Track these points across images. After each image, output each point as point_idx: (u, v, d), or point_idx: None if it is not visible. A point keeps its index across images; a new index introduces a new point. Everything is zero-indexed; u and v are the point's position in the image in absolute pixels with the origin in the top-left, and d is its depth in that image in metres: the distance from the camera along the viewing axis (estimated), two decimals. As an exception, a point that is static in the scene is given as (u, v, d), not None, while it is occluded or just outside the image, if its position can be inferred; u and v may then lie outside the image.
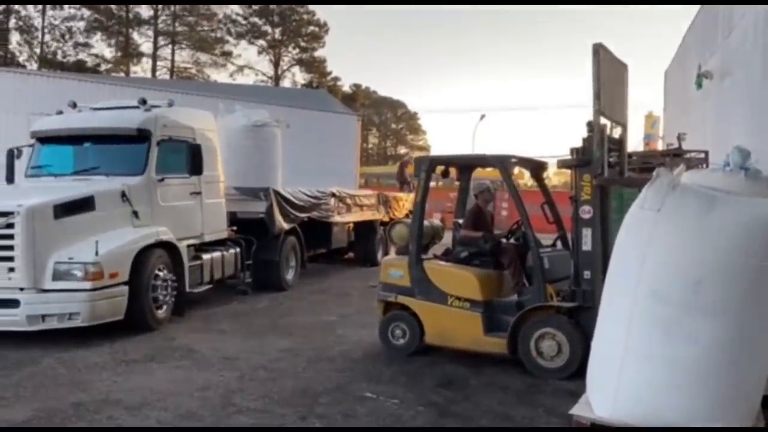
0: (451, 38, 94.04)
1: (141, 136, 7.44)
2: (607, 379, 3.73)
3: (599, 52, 5.35)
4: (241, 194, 9.41)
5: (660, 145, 22.88)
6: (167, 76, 45.62)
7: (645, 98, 39.42)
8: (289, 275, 10.05)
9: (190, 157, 7.66)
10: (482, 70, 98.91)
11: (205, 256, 8.22)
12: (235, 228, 9.23)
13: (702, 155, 10.63)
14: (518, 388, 5.22)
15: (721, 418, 3.39)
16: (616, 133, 6.07)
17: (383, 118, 65.78)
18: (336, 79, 53.84)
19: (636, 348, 3.58)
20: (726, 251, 3.32)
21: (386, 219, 12.66)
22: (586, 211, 5.39)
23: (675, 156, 10.37)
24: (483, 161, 7.00)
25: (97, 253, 6.38)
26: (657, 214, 3.63)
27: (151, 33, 46.93)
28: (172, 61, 48.26)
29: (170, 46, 48.03)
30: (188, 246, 7.83)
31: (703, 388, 3.41)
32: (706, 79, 15.22)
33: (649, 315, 3.56)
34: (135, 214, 7.10)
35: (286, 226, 9.71)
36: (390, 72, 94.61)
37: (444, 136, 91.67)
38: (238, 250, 8.99)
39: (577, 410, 3.88)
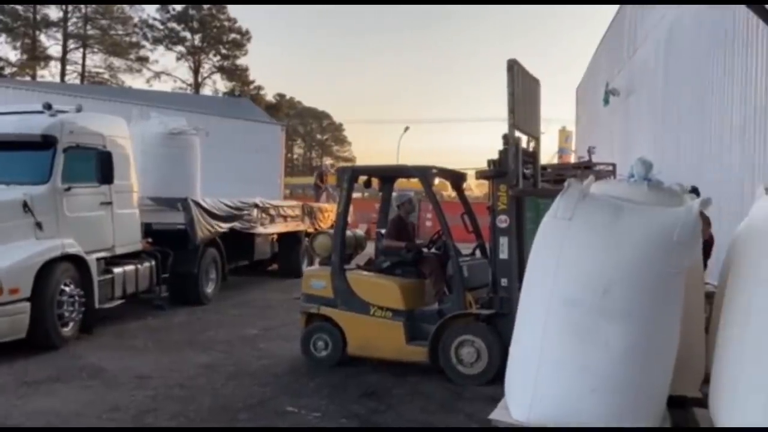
0: (375, 50, 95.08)
1: (45, 143, 7.02)
2: (524, 384, 3.82)
3: (513, 67, 5.55)
4: (157, 204, 9.08)
5: (573, 158, 23.98)
6: (78, 81, 43.38)
7: (559, 114, 41.37)
8: (209, 288, 9.76)
9: (100, 166, 7.29)
10: (407, 83, 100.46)
11: (117, 270, 7.84)
12: (150, 240, 8.87)
13: (610, 167, 11.23)
14: (440, 395, 5.27)
15: (631, 419, 3.53)
16: (531, 146, 6.31)
17: (308, 129, 65.46)
18: (259, 88, 53.00)
19: (551, 353, 3.68)
20: (631, 258, 3.48)
21: (311, 230, 12.56)
22: (503, 221, 5.55)
23: (586, 168, 10.92)
24: (404, 172, 7.08)
25: (-5, 268, 5.94)
26: (569, 222, 3.76)
27: (60, 36, 44.54)
28: (83, 65, 45.99)
29: (81, 49, 45.76)
30: (98, 259, 7.44)
31: (614, 391, 3.54)
32: (613, 95, 16.14)
33: (562, 321, 3.67)
34: (38, 225, 6.67)
35: (216, 232, 9.47)
36: (314, 83, 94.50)
37: (369, 147, 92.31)
38: (153, 262, 8.64)
39: (496, 415, 3.95)
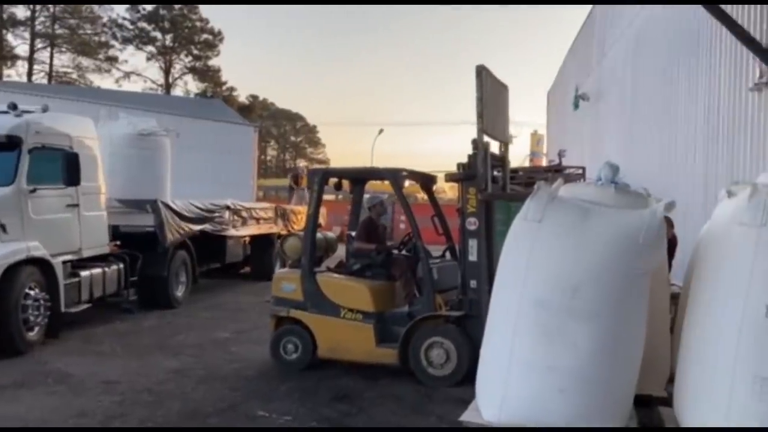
0: (349, 52, 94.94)
1: (10, 144, 6.84)
2: (494, 385, 3.85)
3: (482, 73, 5.61)
4: (125, 207, 8.94)
5: (544, 162, 24.28)
6: (45, 81, 42.41)
7: (532, 118, 42.19)
8: (179, 292, 9.63)
9: (67, 167, 7.14)
10: (382, 85, 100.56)
11: (84, 273, 7.67)
12: (118, 243, 8.73)
13: (580, 171, 11.39)
14: (411, 398, 5.28)
15: (599, 418, 3.59)
16: (500, 150, 6.39)
17: (282, 131, 65.01)
18: (231, 89, 52.38)
19: (521, 354, 3.73)
20: (599, 260, 3.54)
21: (284, 232, 12.49)
22: (472, 223, 5.59)
23: (556, 171, 11.06)
24: (375, 174, 7.08)
25: (-44, 271, 5.77)
26: (539, 224, 3.82)
27: (27, 35, 43.47)
28: (51, 65, 44.95)
29: (48, 49, 44.79)
30: (64, 262, 7.28)
31: (582, 391, 3.59)
32: (582, 100, 16.39)
33: (532, 322, 3.71)
34: (2, 227, 6.49)
35: (186, 235, 9.37)
36: (288, 84, 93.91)
37: (343, 150, 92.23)
38: (121, 265, 8.49)
39: (467, 416, 3.98)
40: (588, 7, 16.82)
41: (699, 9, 7.40)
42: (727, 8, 6.70)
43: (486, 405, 3.89)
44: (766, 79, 6.55)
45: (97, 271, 7.96)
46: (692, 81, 8.75)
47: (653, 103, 10.66)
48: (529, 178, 10.12)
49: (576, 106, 16.77)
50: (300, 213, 13.53)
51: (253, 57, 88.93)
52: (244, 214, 11.44)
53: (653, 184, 7.33)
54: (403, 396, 5.31)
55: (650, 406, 4.18)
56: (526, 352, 3.70)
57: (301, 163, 62.90)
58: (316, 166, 50.95)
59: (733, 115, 7.33)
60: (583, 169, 11.53)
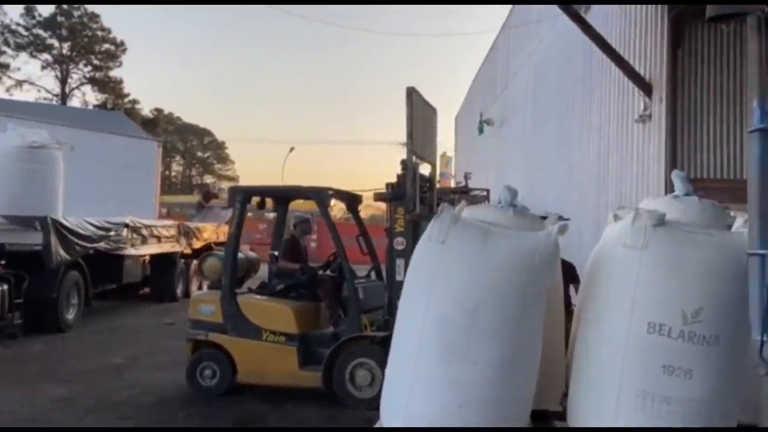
0: (261, 67, 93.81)
1: None
2: (397, 402, 3.87)
3: (412, 95, 5.71)
4: (11, 223, 8.36)
5: (452, 183, 24.99)
6: (-75, 87, 38.91)
7: (441, 140, 43.17)
8: (70, 315, 9.08)
9: (-56, 180, 6.58)
10: (292, 103, 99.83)
11: (-39, 296, 7.06)
12: (2, 262, 8.13)
13: (485, 193, 11.84)
14: (316, 420, 5.23)
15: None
16: (427, 170, 6.50)
17: (188, 146, 62.96)
18: (134, 102, 50.15)
19: (423, 371, 3.77)
20: (497, 279, 3.66)
21: (188, 251, 12.09)
22: (400, 243, 5.64)
23: (462, 193, 11.42)
24: (300, 193, 6.99)
25: None
26: (442, 245, 3.90)
27: None
28: (-68, 70, 41.39)
29: (-70, 52, 41.18)
30: (-61, 284, 6.67)
31: (481, 406, 3.68)
32: (487, 125, 17.09)
33: (435, 340, 3.76)
34: None
35: (79, 254, 8.87)
36: (196, 99, 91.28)
37: (254, 167, 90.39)
38: (5, 287, 7.90)
39: (371, 437, 3.97)
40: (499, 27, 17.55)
41: (591, 44, 7.94)
42: (616, 44, 7.23)
43: (389, 422, 3.90)
44: (649, 111, 7.12)
45: (-24, 293, 7.36)
46: (585, 109, 9.35)
47: (551, 128, 11.28)
48: (438, 199, 10.35)
49: (481, 130, 17.44)
50: (205, 231, 13.14)
51: (159, 69, 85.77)
52: (144, 232, 10.98)
53: (551, 207, 7.72)
54: (307, 419, 5.24)
55: (546, 420, 4.34)
56: (428, 370, 3.75)
57: (209, 180, 61.19)
58: (232, 184, 49.64)
59: (621, 143, 7.89)
60: (488, 191, 11.99)
